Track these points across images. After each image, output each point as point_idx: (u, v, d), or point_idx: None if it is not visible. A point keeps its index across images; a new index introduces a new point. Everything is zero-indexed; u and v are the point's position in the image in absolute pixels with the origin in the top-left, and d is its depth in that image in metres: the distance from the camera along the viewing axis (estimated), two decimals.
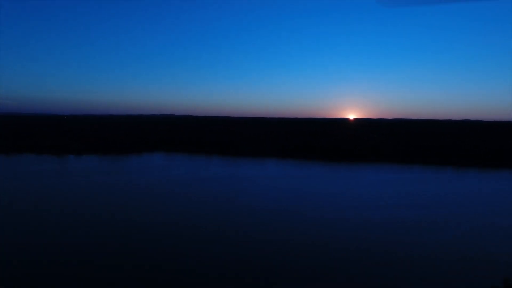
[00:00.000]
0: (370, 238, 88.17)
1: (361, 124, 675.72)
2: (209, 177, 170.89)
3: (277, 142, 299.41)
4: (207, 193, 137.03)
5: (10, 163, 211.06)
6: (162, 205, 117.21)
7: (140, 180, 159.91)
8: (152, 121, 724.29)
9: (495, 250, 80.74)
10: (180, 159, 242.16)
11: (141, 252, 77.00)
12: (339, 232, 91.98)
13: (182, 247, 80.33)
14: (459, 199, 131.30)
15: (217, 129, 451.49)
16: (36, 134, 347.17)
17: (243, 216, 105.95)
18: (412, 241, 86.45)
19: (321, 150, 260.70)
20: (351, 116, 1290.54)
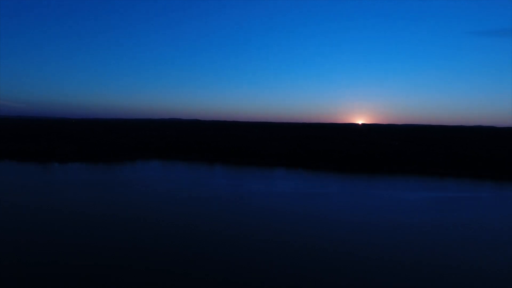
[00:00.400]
0: None
1: (373, 129, 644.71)
2: (202, 196, 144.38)
3: (286, 148, 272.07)
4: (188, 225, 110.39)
5: None
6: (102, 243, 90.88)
7: (106, 199, 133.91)
8: (158, 125, 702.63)
9: None
10: (176, 168, 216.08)
11: None
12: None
13: None
14: None
15: (222, 134, 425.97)
16: (29, 137, 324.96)
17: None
18: None
19: (335, 158, 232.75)
20: (360, 121, 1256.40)
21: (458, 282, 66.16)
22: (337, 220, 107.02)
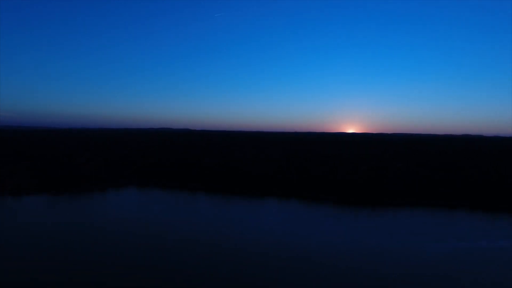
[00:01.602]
0: None
1: (368, 141, 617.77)
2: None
3: (278, 170, 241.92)
4: None
5: None
6: None
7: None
8: (146, 136, 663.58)
9: None
10: (151, 203, 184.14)
11: None
12: None
13: None
14: None
15: (208, 150, 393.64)
16: None
17: None
18: None
19: (333, 186, 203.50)
20: (351, 130, 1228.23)
21: None
22: None
